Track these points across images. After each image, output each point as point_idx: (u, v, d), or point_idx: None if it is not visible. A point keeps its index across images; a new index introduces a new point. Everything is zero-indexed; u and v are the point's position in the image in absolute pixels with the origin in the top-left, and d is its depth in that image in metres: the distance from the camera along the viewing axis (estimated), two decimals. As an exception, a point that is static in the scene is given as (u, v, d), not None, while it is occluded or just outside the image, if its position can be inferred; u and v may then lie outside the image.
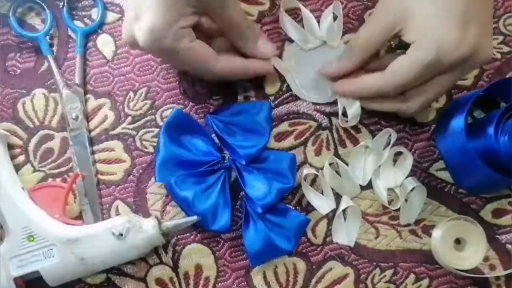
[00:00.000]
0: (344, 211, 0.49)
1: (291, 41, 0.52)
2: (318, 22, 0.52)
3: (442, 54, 0.42)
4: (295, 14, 0.52)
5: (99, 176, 0.50)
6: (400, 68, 0.44)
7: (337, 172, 0.50)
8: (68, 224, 0.46)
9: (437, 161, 0.51)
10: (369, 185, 0.50)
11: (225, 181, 0.48)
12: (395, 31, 0.44)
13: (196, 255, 0.49)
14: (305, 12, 0.51)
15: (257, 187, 0.47)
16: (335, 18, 0.52)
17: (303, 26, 0.52)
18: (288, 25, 0.51)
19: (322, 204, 0.49)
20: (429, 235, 0.49)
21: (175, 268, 0.49)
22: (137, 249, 0.45)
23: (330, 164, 0.50)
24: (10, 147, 0.50)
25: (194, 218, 0.46)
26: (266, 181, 0.47)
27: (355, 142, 0.51)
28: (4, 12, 0.52)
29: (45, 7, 0.52)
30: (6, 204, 0.45)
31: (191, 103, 0.51)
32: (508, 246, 0.49)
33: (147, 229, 0.45)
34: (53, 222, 0.45)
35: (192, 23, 0.43)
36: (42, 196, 0.47)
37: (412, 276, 0.49)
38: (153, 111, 0.51)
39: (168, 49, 0.42)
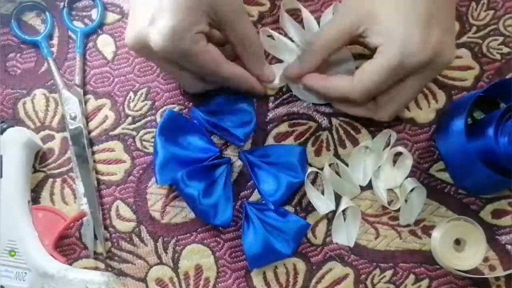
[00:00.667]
0: (344, 211, 0.49)
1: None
2: (318, 23, 0.52)
3: (406, 57, 0.41)
4: (295, 15, 0.52)
5: (99, 177, 0.50)
6: (367, 75, 0.43)
7: (337, 173, 0.50)
8: (52, 256, 0.45)
9: (437, 162, 0.51)
10: (369, 186, 0.50)
11: (227, 176, 0.48)
12: (358, 32, 0.44)
13: (196, 255, 0.49)
14: (305, 13, 0.51)
15: (267, 182, 0.47)
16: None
17: (303, 27, 0.52)
18: (289, 24, 0.51)
19: (322, 204, 0.49)
20: (429, 235, 0.49)
21: (175, 268, 0.49)
22: None
23: (330, 165, 0.50)
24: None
25: None
26: (276, 175, 0.47)
27: (355, 142, 0.51)
28: (4, 12, 0.52)
29: (45, 9, 0.52)
30: (5, 210, 0.45)
31: (191, 103, 0.51)
32: (508, 246, 0.49)
33: None
34: (39, 248, 0.45)
35: (206, 31, 0.43)
36: (42, 217, 0.47)
37: (412, 277, 0.49)
38: (153, 111, 0.51)
39: (186, 52, 0.42)
